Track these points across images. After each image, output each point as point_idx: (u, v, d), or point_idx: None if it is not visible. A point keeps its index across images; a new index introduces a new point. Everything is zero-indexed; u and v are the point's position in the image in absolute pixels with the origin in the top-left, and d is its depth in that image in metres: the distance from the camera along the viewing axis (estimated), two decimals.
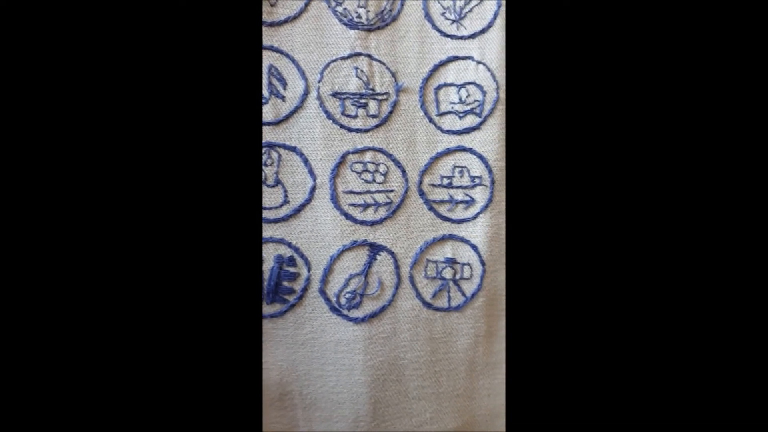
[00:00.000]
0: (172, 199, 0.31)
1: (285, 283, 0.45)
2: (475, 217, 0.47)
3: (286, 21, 0.43)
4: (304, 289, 0.45)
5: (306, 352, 0.45)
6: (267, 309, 0.45)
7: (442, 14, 0.46)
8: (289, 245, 0.44)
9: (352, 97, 0.45)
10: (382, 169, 0.45)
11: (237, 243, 0.31)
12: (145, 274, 0.30)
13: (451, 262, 0.47)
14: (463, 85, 0.47)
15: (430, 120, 0.46)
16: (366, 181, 0.45)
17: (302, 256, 0.45)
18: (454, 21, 0.46)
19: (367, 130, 0.45)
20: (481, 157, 0.47)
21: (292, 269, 0.45)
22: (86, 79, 0.30)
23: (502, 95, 0.47)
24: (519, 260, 0.32)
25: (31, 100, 0.30)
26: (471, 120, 0.47)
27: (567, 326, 0.31)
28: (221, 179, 0.31)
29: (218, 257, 0.31)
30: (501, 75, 0.46)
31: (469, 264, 0.47)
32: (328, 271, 0.45)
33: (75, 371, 0.29)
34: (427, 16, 0.46)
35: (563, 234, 0.32)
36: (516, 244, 0.33)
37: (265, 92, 0.43)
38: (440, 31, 0.46)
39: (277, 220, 0.44)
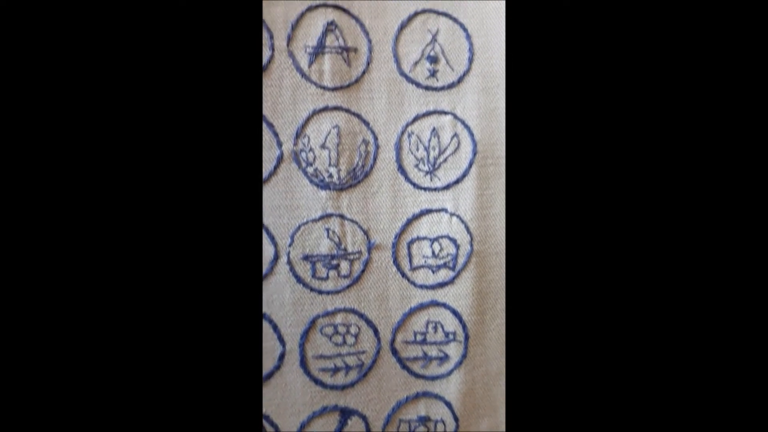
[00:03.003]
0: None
1: None
2: (449, 373, 0.46)
3: None
4: None
5: None
6: None
7: (416, 166, 0.46)
8: None
9: (323, 259, 0.44)
10: (353, 330, 0.45)
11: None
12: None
13: (424, 420, 0.46)
14: (436, 239, 0.46)
15: (403, 275, 0.46)
16: (336, 344, 0.44)
17: (272, 423, 0.43)
18: (428, 172, 0.46)
19: (338, 292, 0.44)
20: (454, 312, 0.46)
21: None
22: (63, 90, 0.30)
23: (476, 247, 0.46)
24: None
25: (28, 102, 0.30)
26: (444, 274, 0.46)
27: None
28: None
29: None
30: (475, 227, 0.46)
31: (442, 420, 0.46)
32: None
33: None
34: (401, 168, 0.45)
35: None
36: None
37: None
38: (414, 184, 0.46)
39: None
